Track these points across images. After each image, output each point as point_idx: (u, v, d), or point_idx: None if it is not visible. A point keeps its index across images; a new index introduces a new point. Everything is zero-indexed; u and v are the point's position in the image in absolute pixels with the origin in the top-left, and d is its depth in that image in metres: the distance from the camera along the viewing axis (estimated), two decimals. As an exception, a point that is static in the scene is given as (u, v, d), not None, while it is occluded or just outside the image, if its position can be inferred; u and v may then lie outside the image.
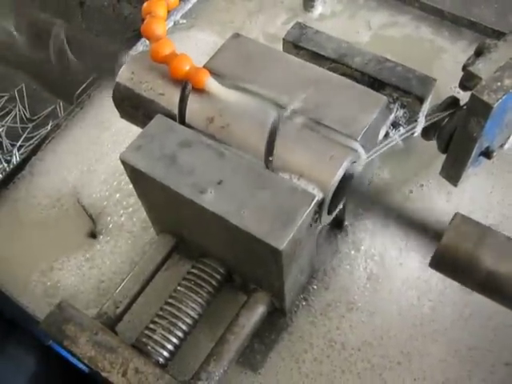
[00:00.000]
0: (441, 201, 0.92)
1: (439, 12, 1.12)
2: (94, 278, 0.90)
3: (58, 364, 0.94)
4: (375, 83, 0.90)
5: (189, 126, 0.71)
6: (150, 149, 0.69)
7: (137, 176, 0.70)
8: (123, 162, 0.69)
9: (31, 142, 1.57)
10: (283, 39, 0.94)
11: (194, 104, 0.71)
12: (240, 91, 0.71)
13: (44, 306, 0.88)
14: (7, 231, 0.97)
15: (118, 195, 0.96)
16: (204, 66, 0.74)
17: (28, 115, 1.68)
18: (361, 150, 0.67)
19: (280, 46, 1.07)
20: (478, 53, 0.70)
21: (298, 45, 0.94)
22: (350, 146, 0.67)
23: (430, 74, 0.83)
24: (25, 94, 1.67)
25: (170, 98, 0.72)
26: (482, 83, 0.65)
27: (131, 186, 0.77)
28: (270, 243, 0.61)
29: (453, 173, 0.79)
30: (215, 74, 0.73)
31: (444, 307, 0.83)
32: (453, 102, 0.78)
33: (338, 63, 0.92)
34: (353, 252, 0.88)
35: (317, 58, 0.93)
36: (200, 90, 0.71)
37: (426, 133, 0.80)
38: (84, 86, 1.29)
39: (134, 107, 0.75)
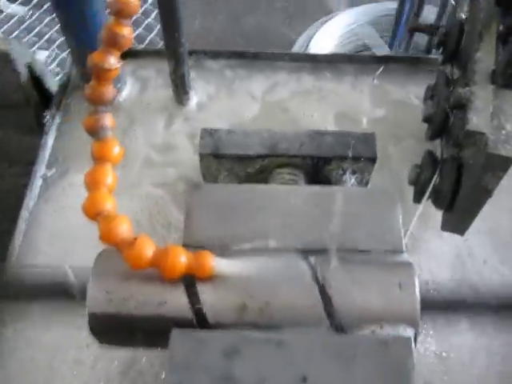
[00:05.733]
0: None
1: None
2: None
3: None
4: (319, 162, 0.83)
5: (218, 326, 0.56)
6: (194, 380, 0.52)
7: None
8: None
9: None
10: (200, 154, 0.82)
11: (210, 298, 0.55)
12: (253, 256, 0.57)
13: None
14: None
15: None
16: (183, 244, 0.59)
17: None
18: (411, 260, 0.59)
19: (177, 154, 0.96)
20: (457, 105, 0.65)
21: (218, 154, 0.83)
22: (404, 261, 0.58)
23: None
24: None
25: (175, 303, 0.55)
26: (490, 137, 0.61)
27: None
28: None
29: (460, 225, 0.74)
30: (204, 247, 0.58)
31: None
32: (432, 157, 0.73)
33: (270, 157, 0.83)
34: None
35: (243, 159, 0.83)
36: (207, 279, 0.56)
37: (419, 199, 0.74)
38: None
39: (128, 330, 0.57)
